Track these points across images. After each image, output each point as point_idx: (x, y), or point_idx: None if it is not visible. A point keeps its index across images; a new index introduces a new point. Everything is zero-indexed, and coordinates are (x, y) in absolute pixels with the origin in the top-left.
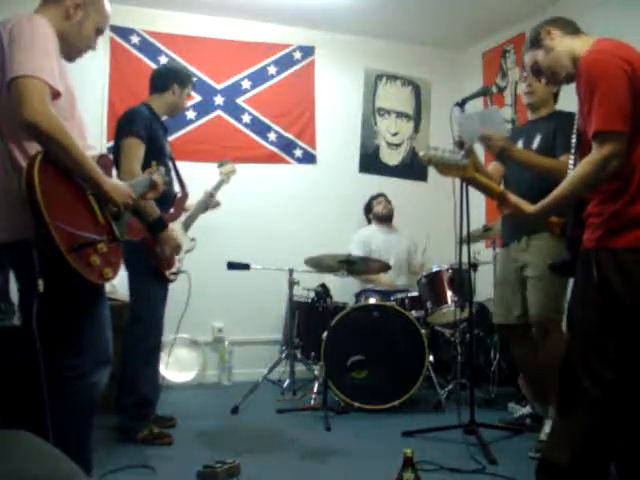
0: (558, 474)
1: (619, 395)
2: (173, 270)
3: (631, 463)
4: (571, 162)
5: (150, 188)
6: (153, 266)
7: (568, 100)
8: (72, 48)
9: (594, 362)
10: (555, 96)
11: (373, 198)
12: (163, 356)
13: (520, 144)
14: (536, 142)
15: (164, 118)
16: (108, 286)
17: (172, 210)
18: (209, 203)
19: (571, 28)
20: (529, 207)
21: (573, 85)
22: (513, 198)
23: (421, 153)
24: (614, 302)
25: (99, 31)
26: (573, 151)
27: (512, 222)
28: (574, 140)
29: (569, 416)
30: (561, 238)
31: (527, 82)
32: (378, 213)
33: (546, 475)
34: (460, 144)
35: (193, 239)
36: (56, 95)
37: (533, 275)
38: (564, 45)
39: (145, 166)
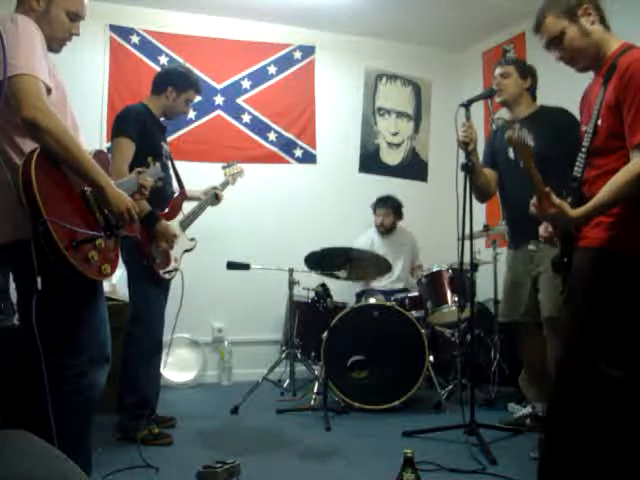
0: (563, 473)
1: (625, 394)
2: (169, 269)
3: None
4: (581, 159)
5: (137, 190)
6: (146, 266)
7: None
8: (50, 39)
9: (600, 362)
10: (531, 92)
11: (376, 204)
12: (163, 356)
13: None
14: (532, 144)
15: (162, 119)
16: (108, 286)
17: (167, 209)
18: (212, 203)
19: (605, 19)
20: (572, 211)
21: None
22: (557, 199)
23: (509, 132)
24: (622, 304)
25: (74, 15)
26: (584, 150)
27: (521, 227)
28: (586, 139)
29: (572, 413)
30: None
31: (495, 81)
32: (377, 225)
33: (550, 475)
34: (464, 145)
35: (192, 239)
36: (48, 91)
37: (546, 275)
38: (598, 36)
39: (140, 164)
